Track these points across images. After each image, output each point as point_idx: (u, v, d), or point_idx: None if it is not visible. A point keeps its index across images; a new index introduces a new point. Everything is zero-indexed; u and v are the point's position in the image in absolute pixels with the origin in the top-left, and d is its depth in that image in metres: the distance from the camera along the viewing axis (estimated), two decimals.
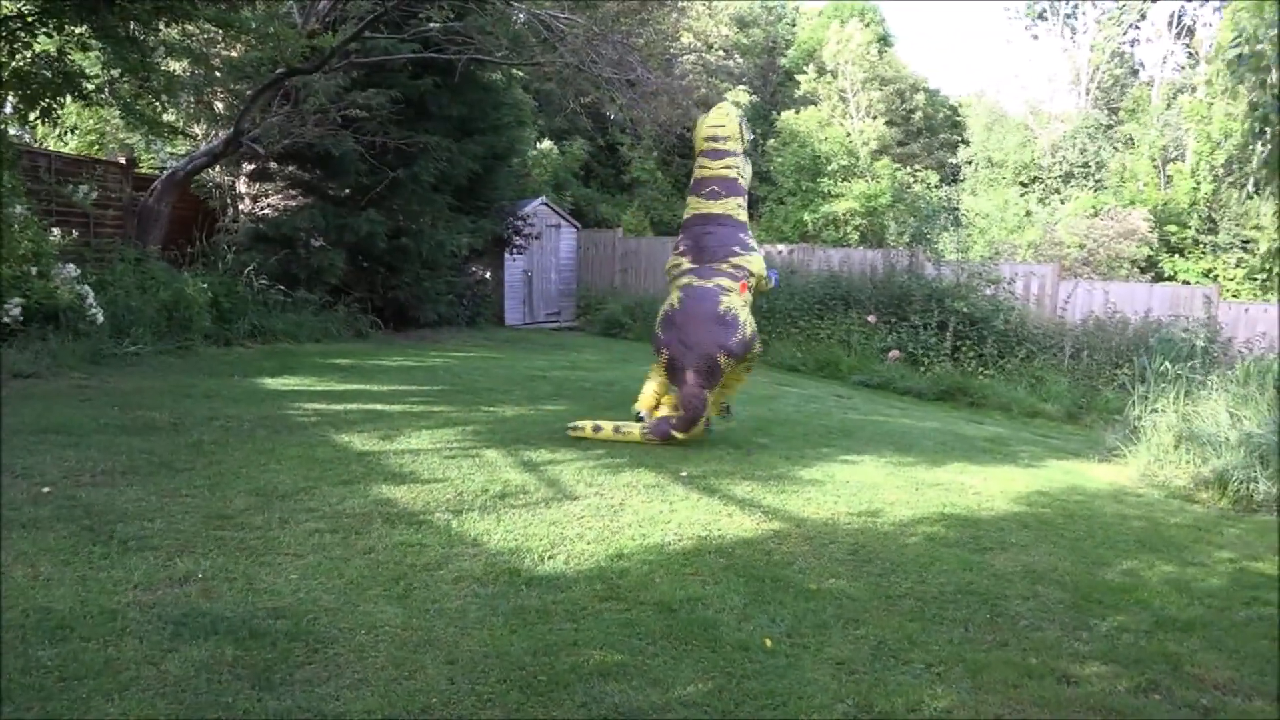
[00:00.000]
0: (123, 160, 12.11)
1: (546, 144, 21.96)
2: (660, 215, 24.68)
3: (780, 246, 17.98)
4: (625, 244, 19.92)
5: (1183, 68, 27.43)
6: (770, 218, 25.58)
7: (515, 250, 17.00)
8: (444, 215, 14.01)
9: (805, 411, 9.33)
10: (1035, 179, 26.41)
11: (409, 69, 12.86)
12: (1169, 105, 24.89)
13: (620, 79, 12.63)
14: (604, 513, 4.86)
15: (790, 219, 24.61)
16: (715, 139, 7.19)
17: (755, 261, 7.06)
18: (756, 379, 10.89)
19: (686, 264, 7.06)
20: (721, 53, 28.33)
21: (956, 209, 24.78)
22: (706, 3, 25.79)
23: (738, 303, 6.85)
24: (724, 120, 7.24)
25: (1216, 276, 20.20)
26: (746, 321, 6.86)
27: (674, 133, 15.04)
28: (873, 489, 5.90)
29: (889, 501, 5.61)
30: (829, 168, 24.60)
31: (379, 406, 7.45)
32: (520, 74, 16.94)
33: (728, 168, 7.13)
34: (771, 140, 26.13)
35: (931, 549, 4.70)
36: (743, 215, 7.15)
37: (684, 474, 5.84)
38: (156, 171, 12.71)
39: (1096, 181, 25.05)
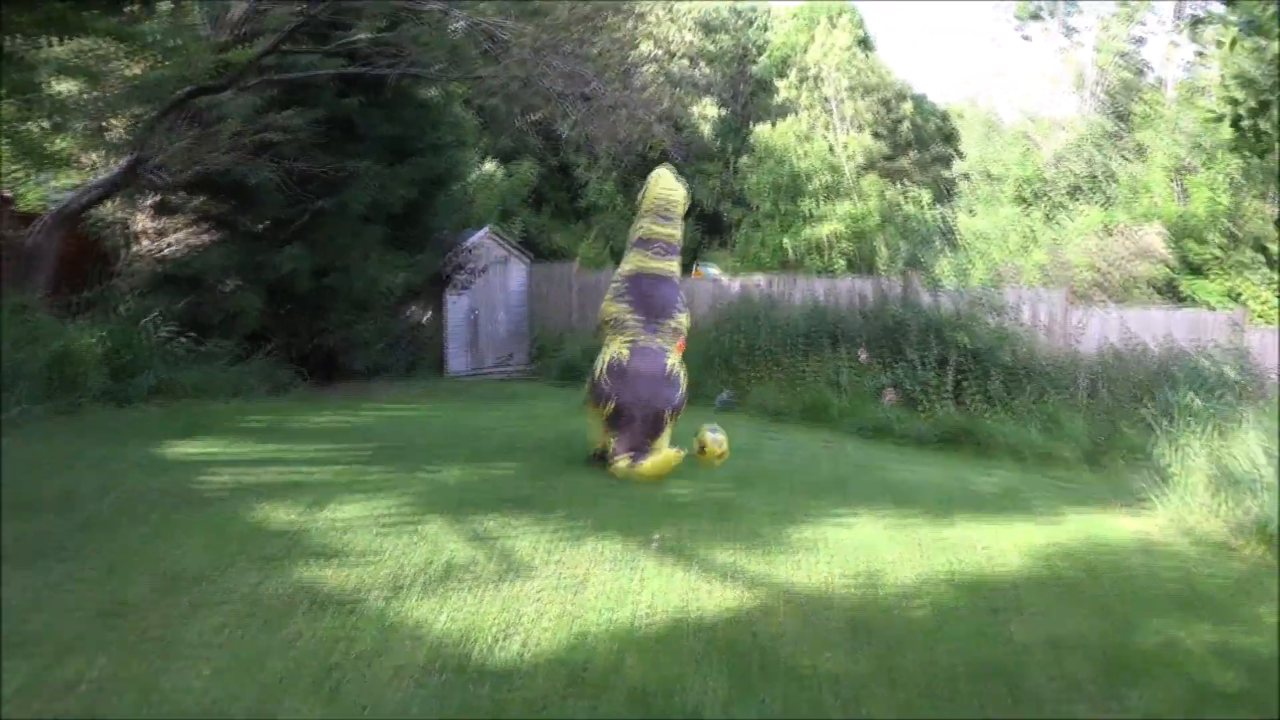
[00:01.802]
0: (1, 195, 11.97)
1: (491, 166, 22.07)
2: (621, 244, 24.75)
3: (758, 277, 18.10)
4: (583, 278, 19.97)
5: (1192, 65, 28.19)
6: (745, 244, 25.81)
7: (458, 288, 16.97)
8: (376, 249, 13.95)
9: (792, 463, 9.32)
10: (1039, 194, 26.89)
11: (334, 86, 12.88)
12: (1182, 108, 25.52)
13: (573, 92, 12.76)
14: (565, 589, 4.80)
15: (769, 245, 24.85)
16: (667, 202, 8.49)
17: (686, 320, 8.39)
18: (735, 429, 10.87)
19: (633, 319, 8.14)
20: (686, 61, 28.72)
21: (953, 230, 25.16)
22: (667, 5, 26.19)
23: (677, 361, 8.18)
24: (675, 187, 8.58)
25: (1241, 297, 20.60)
26: (684, 378, 8.18)
27: (634, 151, 15.17)
28: (870, 550, 5.88)
29: (889, 564, 5.59)
30: (810, 186, 24.92)
31: (302, 473, 7.34)
32: (460, 89, 17.03)
33: (674, 230, 8.47)
34: (744, 158, 26.44)
35: (939, 617, 4.68)
36: (679, 275, 8.47)
37: (655, 540, 5.79)
38: (42, 208, 12.57)
39: (1106, 196, 25.56)
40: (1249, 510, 6.82)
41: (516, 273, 19.33)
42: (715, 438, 8.05)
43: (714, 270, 23.17)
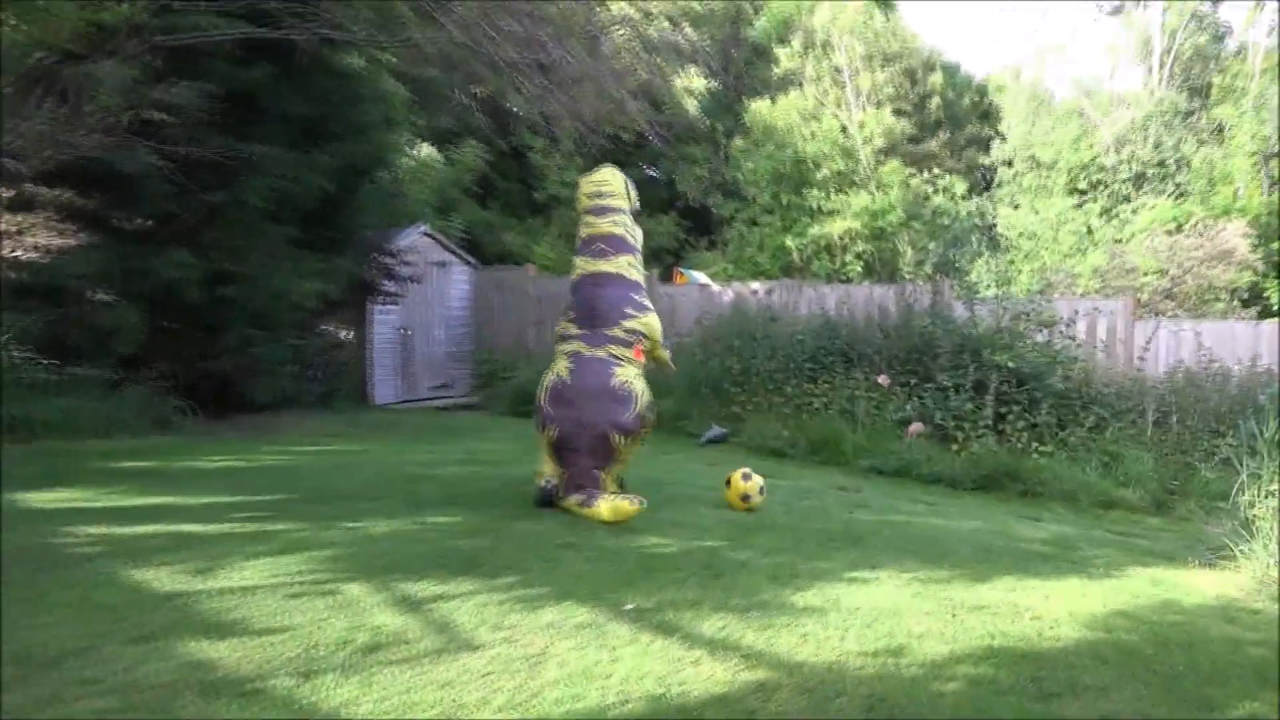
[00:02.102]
0: None
1: (428, 151, 22.11)
2: None
3: (755, 284, 18.23)
4: (541, 285, 20.01)
5: None
6: (740, 244, 25.93)
7: (386, 299, 16.97)
8: (284, 253, 13.93)
9: (797, 511, 9.35)
10: (1097, 184, 27.19)
11: (234, 54, 12.88)
12: (1271, 79, 25.89)
13: (528, 61, 12.82)
14: (518, 667, 4.78)
15: (768, 245, 25.02)
16: (600, 195, 8.97)
17: (649, 323, 8.79)
18: (731, 470, 10.91)
19: (574, 330, 8.67)
20: (667, 23, 28.93)
21: (993, 226, 25.41)
22: None
23: (632, 373, 8.59)
24: (608, 178, 9.05)
25: None
26: (641, 393, 8.56)
27: (603, 133, 15.25)
28: (893, 617, 5.90)
29: (916, 634, 5.61)
30: (819, 175, 25.11)
31: (191, 528, 7.29)
32: (389, 57, 17.07)
33: (615, 224, 8.90)
34: (738, 140, 26.61)
35: (977, 697, 4.70)
36: (635, 274, 8.89)
37: (629, 606, 5.79)
38: None
39: (1178, 186, 25.86)
40: None
41: (458, 280, 19.37)
42: (749, 484, 9.07)
43: (701, 276, 23.25)
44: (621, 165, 9.46)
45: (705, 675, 4.82)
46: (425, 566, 6.47)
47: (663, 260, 26.30)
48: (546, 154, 24.60)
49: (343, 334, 17.05)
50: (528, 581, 6.24)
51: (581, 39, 14.45)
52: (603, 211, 8.93)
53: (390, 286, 16.77)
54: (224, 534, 7.13)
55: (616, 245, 8.82)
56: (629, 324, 8.62)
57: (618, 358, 8.55)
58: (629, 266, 8.84)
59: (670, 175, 28.17)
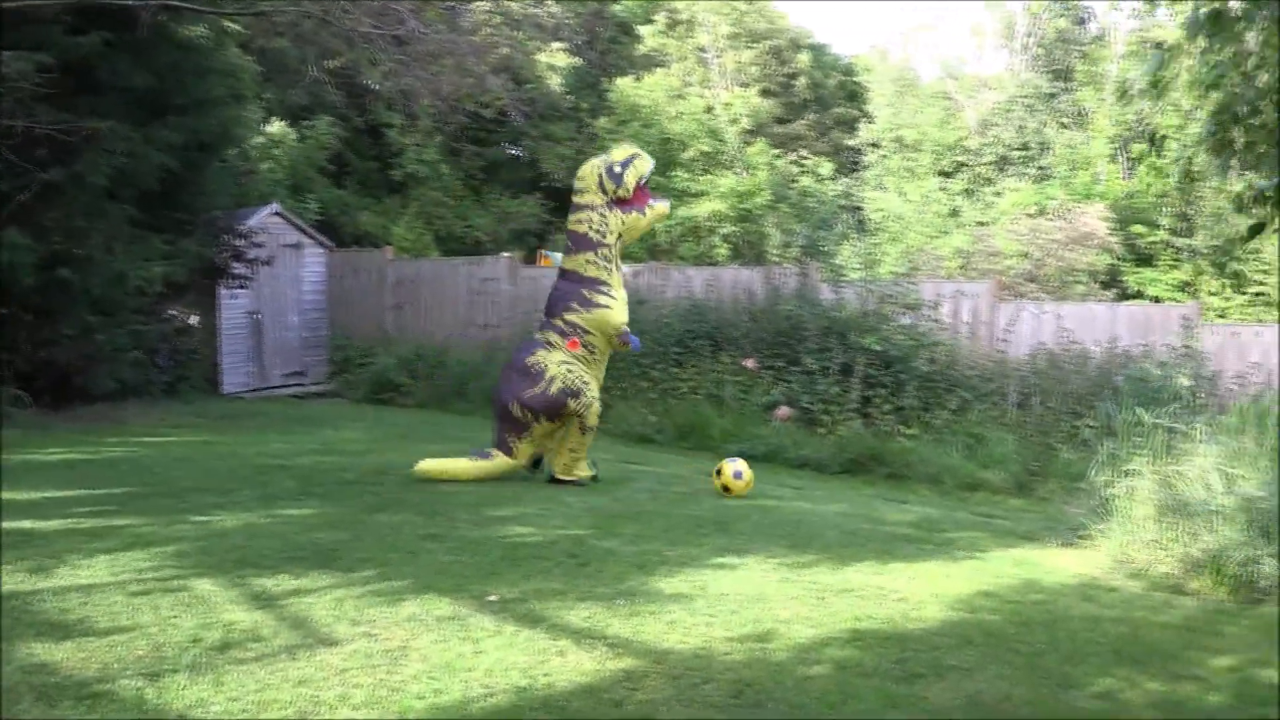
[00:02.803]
0: None
1: (279, 127, 21.67)
2: (449, 226, 24.67)
3: (623, 267, 18.29)
4: (399, 268, 19.82)
5: (1142, 15, 29.64)
6: None
7: (236, 283, 16.61)
8: (125, 234, 13.58)
9: (664, 498, 9.44)
10: (962, 166, 27.85)
11: (67, 20, 12.48)
12: (1131, 65, 26.79)
13: (384, 34, 12.66)
14: (378, 662, 4.76)
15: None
16: (575, 191, 10.04)
17: (595, 317, 9.72)
18: (597, 457, 10.95)
19: (542, 320, 9.98)
20: None
21: (860, 208, 25.85)
22: None
23: (555, 359, 9.65)
24: (582, 172, 10.09)
25: (1197, 291, 21.76)
26: (556, 377, 9.56)
27: (463, 109, 15.12)
28: (760, 603, 6.00)
29: (783, 619, 5.72)
30: (685, 156, 25.25)
31: (27, 524, 7.09)
32: (236, 27, 16.70)
33: (579, 221, 9.89)
34: (603, 119, 26.64)
35: (843, 681, 4.81)
36: (593, 270, 9.80)
37: (493, 598, 5.80)
38: None
39: (1040, 169, 26.64)
40: (1202, 543, 7.22)
41: (313, 263, 19.05)
42: (735, 468, 9.86)
43: None
44: (480, 144, 9.54)
45: (571, 665, 4.85)
46: (279, 561, 6.39)
47: (526, 242, 26.22)
48: (404, 131, 24.28)
49: (190, 319, 16.64)
50: (387, 574, 6.20)
51: (440, 12, 14.31)
52: (574, 208, 10.01)
53: (240, 269, 16.42)
54: (64, 530, 6.95)
55: (577, 242, 9.90)
56: (570, 317, 9.71)
57: (550, 344, 9.75)
58: (586, 264, 9.82)
59: (534, 154, 28.04)
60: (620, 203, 9.88)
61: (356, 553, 6.71)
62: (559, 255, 23.81)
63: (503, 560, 6.68)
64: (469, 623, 5.37)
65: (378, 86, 20.80)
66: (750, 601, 6.01)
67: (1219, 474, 7.76)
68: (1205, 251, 22.00)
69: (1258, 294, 20.35)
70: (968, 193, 26.44)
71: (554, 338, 9.75)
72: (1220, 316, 20.20)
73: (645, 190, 10.07)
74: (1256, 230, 4.62)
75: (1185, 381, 11.90)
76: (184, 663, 4.64)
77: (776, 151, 27.03)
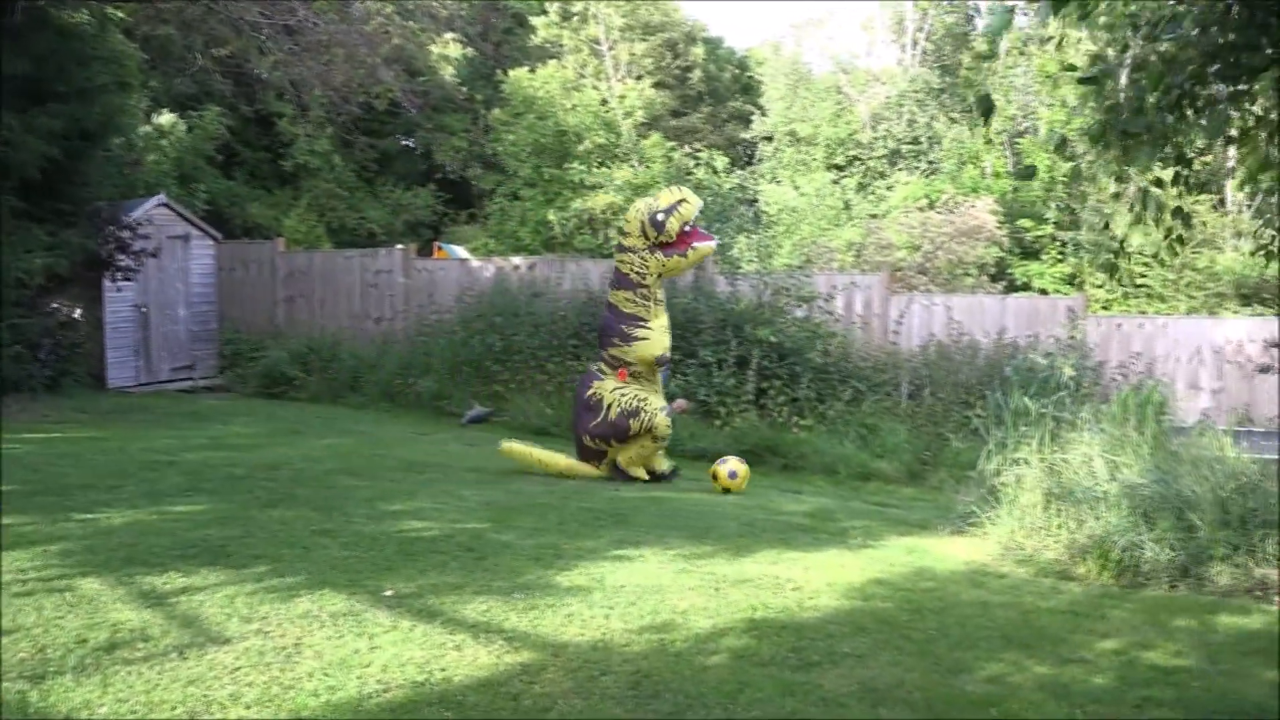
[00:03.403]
0: None
1: (167, 117, 21.21)
2: (342, 218, 24.36)
3: (516, 259, 18.23)
4: (291, 260, 19.52)
5: (1027, 12, 30.25)
6: (501, 218, 25.84)
7: (121, 275, 16.23)
8: (4, 224, 13.22)
9: (561, 491, 9.44)
10: (854, 159, 28.21)
11: None
12: (1015, 62, 27.36)
13: (273, 23, 12.46)
14: (271, 660, 4.70)
15: (530, 220, 24.99)
16: (621, 233, 11.21)
17: (633, 350, 10.72)
18: (494, 450, 10.93)
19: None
20: None
21: (755, 201, 26.03)
22: None
23: (609, 387, 10.73)
24: (629, 216, 11.04)
25: (1082, 284, 22.30)
26: (613, 404, 10.62)
27: (355, 100, 14.94)
28: (658, 594, 6.03)
29: (680, 610, 5.76)
30: (580, 148, 25.22)
31: None
32: (120, 14, 16.31)
33: (622, 261, 10.89)
34: (498, 111, 26.51)
35: (740, 670, 4.86)
36: (630, 307, 10.77)
37: (388, 593, 5.75)
38: None
39: (930, 163, 27.10)
40: (1088, 529, 7.42)
41: (201, 255, 18.68)
42: (729, 469, 10.51)
43: (461, 251, 23.10)
44: (373, 135, 9.37)
45: (468, 659, 4.83)
46: (168, 558, 6.27)
47: (421, 234, 26.00)
48: (295, 121, 23.91)
49: (73, 313, 16.22)
50: (280, 571, 6.12)
51: (331, 1, 14.12)
52: (620, 248, 11.09)
53: (125, 261, 16.04)
54: None
55: (620, 280, 10.89)
56: (614, 351, 10.84)
57: (604, 373, 10.87)
58: (625, 301, 10.80)
59: (427, 146, 27.81)
60: (663, 246, 10.65)
61: (248, 549, 6.61)
62: (455, 247, 23.74)
63: (398, 555, 6.63)
64: (364, 618, 5.32)
65: (267, 76, 20.42)
66: (648, 593, 6.04)
67: (1103, 461, 7.98)
68: (1089, 247, 22.52)
69: (1139, 286, 20.91)
70: (860, 186, 26.79)
71: (605, 368, 10.88)
72: (1104, 308, 20.72)
73: (694, 230, 10.82)
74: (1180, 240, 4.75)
75: (1070, 372, 12.20)
76: (69, 664, 4.54)
77: (672, 144, 27.14)
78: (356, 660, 4.74)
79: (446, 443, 12.55)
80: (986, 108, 4.90)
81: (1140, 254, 20.46)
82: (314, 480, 9.14)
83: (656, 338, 10.78)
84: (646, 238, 10.67)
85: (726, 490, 10.29)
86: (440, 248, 23.62)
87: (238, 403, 16.18)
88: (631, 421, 10.55)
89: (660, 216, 10.58)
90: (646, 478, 10.81)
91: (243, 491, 8.54)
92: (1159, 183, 5.08)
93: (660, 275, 10.81)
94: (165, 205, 17.75)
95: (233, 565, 6.21)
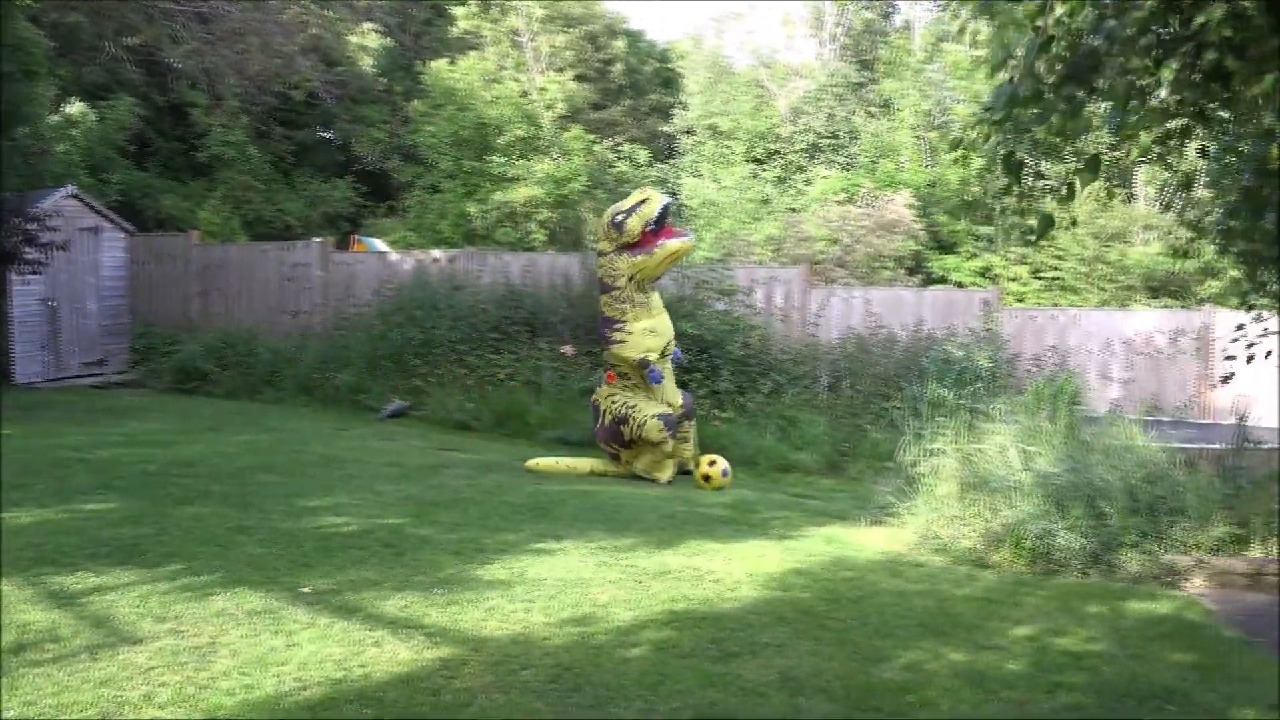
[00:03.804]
0: None
1: (77, 107, 20.79)
2: (258, 210, 24.03)
3: (436, 252, 18.11)
4: (206, 253, 19.21)
5: (944, 7, 30.65)
6: (421, 211, 25.66)
7: (28, 268, 15.88)
8: None
9: (481, 486, 9.41)
10: (774, 153, 28.39)
11: None
12: (930, 57, 27.72)
13: (186, 10, 12.26)
14: (186, 659, 4.64)
15: (450, 212, 24.84)
16: (599, 252, 11.21)
17: (612, 352, 10.95)
18: (413, 445, 10.87)
19: None
20: None
21: (675, 194, 26.10)
22: None
23: (604, 393, 11.08)
24: (603, 220, 11.16)
25: (997, 277, 22.65)
26: (606, 410, 10.91)
27: (271, 90, 14.75)
28: (579, 587, 6.05)
29: (602, 603, 5.78)
30: (501, 140, 25.11)
31: None
32: (25, 1, 15.95)
33: (599, 268, 11.16)
34: (417, 102, 26.32)
35: (661, 662, 4.88)
36: (610, 310, 10.95)
37: (306, 589, 5.71)
38: None
39: (849, 157, 27.36)
40: (1002, 517, 7.55)
41: (112, 247, 18.34)
42: (716, 467, 10.69)
43: (380, 244, 22.89)
44: (291, 126, 9.22)
45: (388, 656, 4.81)
46: (79, 558, 6.17)
47: (339, 227, 25.75)
48: (209, 111, 23.53)
49: None
50: (196, 569, 6.05)
51: None
52: (598, 254, 11.21)
53: (32, 254, 15.68)
54: None
55: (601, 286, 11.10)
56: (603, 355, 11.23)
57: (608, 377, 11.21)
58: (605, 305, 10.98)
59: (346, 137, 27.51)
60: (630, 246, 10.72)
61: (162, 547, 6.52)
62: (373, 240, 23.53)
63: (316, 551, 6.58)
64: (281, 616, 5.28)
65: (180, 65, 20.11)
66: (568, 586, 6.05)
67: (1017, 451, 8.13)
68: (1002, 241, 22.87)
69: (1054, 279, 21.29)
70: (780, 180, 26.98)
71: (610, 371, 11.20)
72: (1019, 301, 21.07)
73: (666, 228, 10.86)
74: (1048, 224, 4.80)
75: (986, 363, 12.39)
76: None
77: (593, 137, 27.11)
78: (273, 658, 4.70)
79: (365, 438, 12.44)
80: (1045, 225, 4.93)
81: (1052, 244, 20.86)
82: (229, 477, 9.02)
83: (634, 340, 10.83)
84: (610, 240, 10.85)
85: (706, 479, 10.65)
86: (358, 241, 23.40)
87: (150, 398, 15.92)
88: (623, 428, 10.76)
89: (620, 218, 10.76)
90: (665, 480, 10.87)
91: (156, 489, 8.41)
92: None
93: (633, 277, 10.80)
94: (74, 196, 17.39)
95: (146, 564, 6.12)
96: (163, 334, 18.32)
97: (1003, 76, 4.47)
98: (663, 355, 11.06)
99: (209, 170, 24.31)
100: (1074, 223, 5.68)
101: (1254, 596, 6.87)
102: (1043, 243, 21.29)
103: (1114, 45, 4.27)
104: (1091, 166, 4.66)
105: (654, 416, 10.67)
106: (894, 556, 7.49)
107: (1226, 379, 8.31)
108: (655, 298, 11.17)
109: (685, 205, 25.49)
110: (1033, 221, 4.92)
